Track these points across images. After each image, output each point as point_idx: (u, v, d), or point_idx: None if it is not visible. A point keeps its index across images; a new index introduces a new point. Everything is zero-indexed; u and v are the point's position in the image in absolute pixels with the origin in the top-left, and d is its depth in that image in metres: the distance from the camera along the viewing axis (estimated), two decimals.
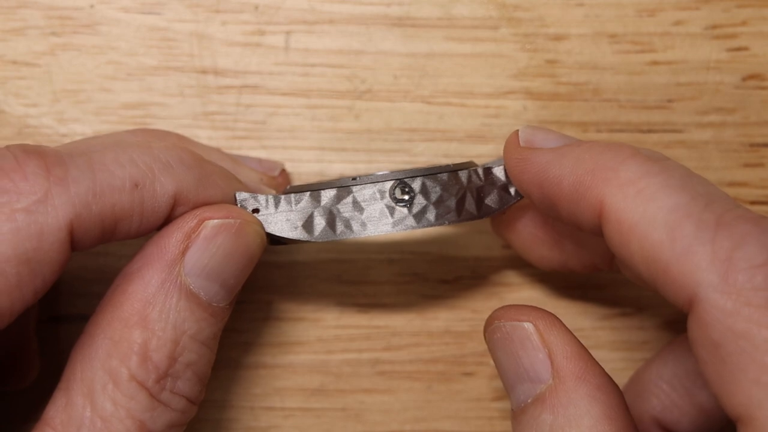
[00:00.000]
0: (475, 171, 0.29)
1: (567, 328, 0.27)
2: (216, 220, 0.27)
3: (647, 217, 0.24)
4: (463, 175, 0.29)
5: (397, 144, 0.33)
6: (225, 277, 0.27)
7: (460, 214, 0.28)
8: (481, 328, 0.34)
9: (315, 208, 0.28)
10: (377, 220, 0.28)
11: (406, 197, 0.28)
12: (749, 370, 0.21)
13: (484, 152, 0.33)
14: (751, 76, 0.33)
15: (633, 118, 0.33)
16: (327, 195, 0.28)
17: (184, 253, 0.26)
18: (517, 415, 0.26)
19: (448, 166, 0.29)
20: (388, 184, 0.28)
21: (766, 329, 0.21)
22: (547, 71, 0.33)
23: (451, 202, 0.28)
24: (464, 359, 0.34)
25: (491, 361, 0.34)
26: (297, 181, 0.33)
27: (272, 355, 0.34)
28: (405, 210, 0.28)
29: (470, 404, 0.33)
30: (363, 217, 0.28)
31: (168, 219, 0.27)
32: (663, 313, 0.34)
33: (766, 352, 0.21)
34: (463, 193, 0.28)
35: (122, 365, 0.25)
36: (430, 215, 0.28)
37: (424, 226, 0.28)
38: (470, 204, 0.29)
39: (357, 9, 0.33)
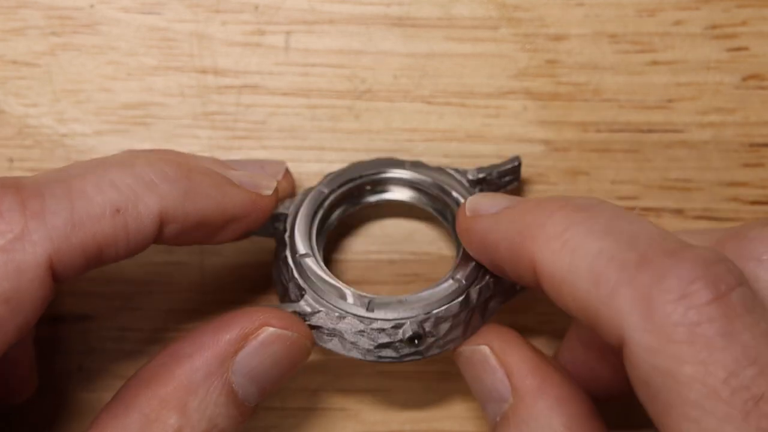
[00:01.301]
0: (487, 284, 0.29)
1: (525, 342, 0.28)
2: (275, 329, 0.27)
3: (573, 267, 0.23)
4: (474, 293, 0.29)
5: (397, 144, 0.33)
6: (265, 382, 0.28)
7: (466, 334, 0.29)
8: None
9: (326, 326, 0.29)
10: (386, 353, 0.29)
11: (417, 341, 0.29)
12: (677, 406, 0.21)
13: (484, 152, 0.33)
14: (751, 76, 0.33)
15: (633, 118, 0.33)
16: (342, 322, 0.29)
17: (237, 352, 0.27)
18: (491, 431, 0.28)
19: (461, 282, 0.29)
20: (403, 327, 0.28)
21: (688, 365, 0.21)
22: (547, 71, 0.33)
23: (458, 331, 0.29)
24: None
25: None
26: (296, 178, 0.33)
27: None
28: (413, 349, 0.29)
29: (470, 404, 0.33)
30: (374, 348, 0.29)
31: (158, 238, 0.26)
32: None
33: (690, 388, 0.21)
34: (472, 314, 0.29)
35: None
36: (436, 349, 0.29)
37: (429, 356, 0.29)
38: (476, 320, 0.29)
39: (357, 9, 0.33)
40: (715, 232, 0.26)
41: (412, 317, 0.28)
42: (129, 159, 0.26)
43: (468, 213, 0.28)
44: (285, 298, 0.30)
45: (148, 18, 0.33)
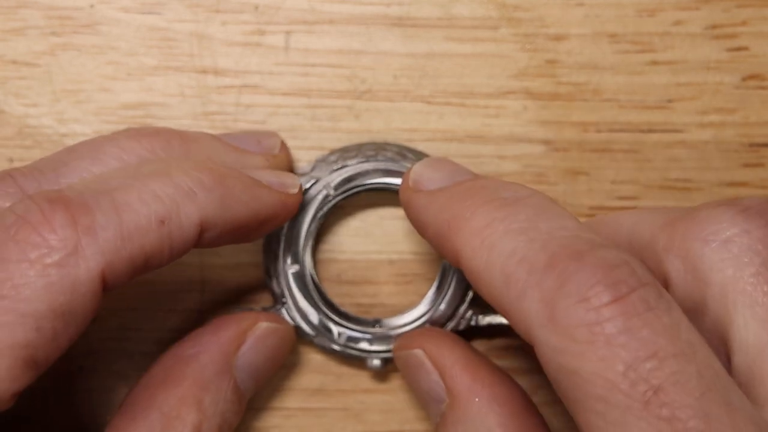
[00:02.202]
0: (457, 325, 0.32)
1: (459, 343, 0.29)
2: (268, 323, 0.30)
3: (489, 266, 0.24)
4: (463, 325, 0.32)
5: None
6: (260, 376, 0.30)
7: None
8: (482, 328, 0.34)
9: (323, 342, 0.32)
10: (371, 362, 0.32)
11: (384, 363, 0.32)
12: (583, 401, 0.22)
13: (484, 152, 0.33)
14: (751, 76, 0.33)
15: (633, 118, 0.33)
16: (313, 339, 0.32)
17: (238, 348, 0.29)
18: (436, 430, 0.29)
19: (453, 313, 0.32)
20: (368, 360, 0.32)
21: (589, 362, 0.22)
22: (547, 71, 0.33)
23: None
24: None
25: (491, 361, 0.34)
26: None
27: None
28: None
29: None
30: (341, 356, 0.32)
31: (197, 244, 0.27)
32: None
33: (593, 383, 0.22)
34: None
35: None
36: None
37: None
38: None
39: (357, 9, 0.33)
40: (670, 211, 0.27)
41: (379, 351, 0.32)
42: (164, 168, 0.27)
43: (411, 183, 0.29)
44: (270, 277, 0.32)
45: (148, 18, 0.33)
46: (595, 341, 0.22)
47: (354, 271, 0.34)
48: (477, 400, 0.27)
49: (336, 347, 0.32)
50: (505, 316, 0.24)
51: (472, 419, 0.27)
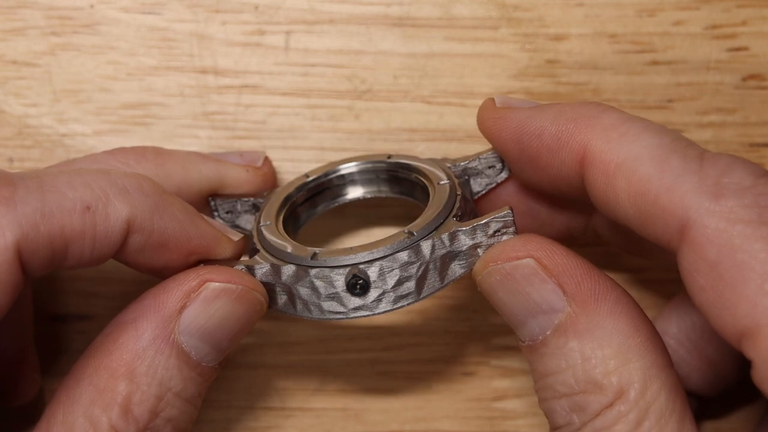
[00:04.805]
0: (440, 239, 0.28)
1: (567, 250, 0.26)
2: (218, 284, 0.27)
3: (633, 155, 0.25)
4: (425, 246, 0.27)
5: (397, 144, 0.33)
6: (218, 339, 0.27)
7: (421, 291, 0.28)
8: (482, 329, 0.34)
9: (276, 282, 0.28)
10: (333, 307, 0.28)
11: (359, 289, 0.27)
12: (751, 280, 0.22)
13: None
14: (751, 76, 0.33)
15: None
16: (286, 272, 0.28)
17: (181, 311, 0.27)
18: (536, 347, 0.26)
19: (412, 235, 0.28)
20: (344, 272, 0.27)
21: (759, 241, 0.22)
22: (547, 71, 0.33)
23: (411, 284, 0.28)
24: (464, 359, 0.34)
25: (491, 361, 0.34)
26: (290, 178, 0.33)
27: (272, 355, 0.34)
28: (359, 300, 0.28)
29: (470, 404, 0.34)
30: (320, 301, 0.28)
31: (123, 246, 0.26)
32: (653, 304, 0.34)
33: (766, 262, 0.22)
34: (425, 268, 0.28)
35: (104, 414, 0.25)
36: (386, 303, 0.28)
37: (380, 313, 0.28)
38: (433, 277, 0.28)
39: (357, 9, 0.33)
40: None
41: (353, 264, 0.27)
42: (106, 169, 0.27)
43: (499, 104, 0.29)
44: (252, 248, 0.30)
45: (148, 18, 0.33)
46: (766, 221, 0.22)
47: None
48: (605, 306, 0.26)
49: (312, 270, 0.28)
50: (645, 209, 0.24)
51: (601, 325, 0.25)
